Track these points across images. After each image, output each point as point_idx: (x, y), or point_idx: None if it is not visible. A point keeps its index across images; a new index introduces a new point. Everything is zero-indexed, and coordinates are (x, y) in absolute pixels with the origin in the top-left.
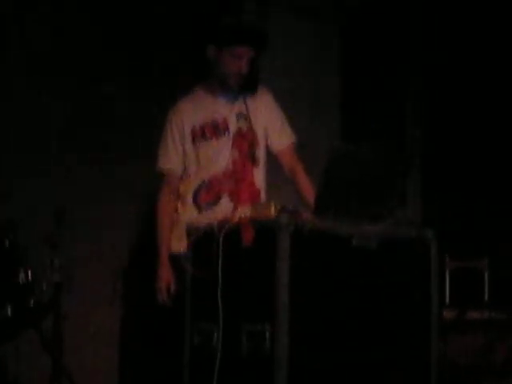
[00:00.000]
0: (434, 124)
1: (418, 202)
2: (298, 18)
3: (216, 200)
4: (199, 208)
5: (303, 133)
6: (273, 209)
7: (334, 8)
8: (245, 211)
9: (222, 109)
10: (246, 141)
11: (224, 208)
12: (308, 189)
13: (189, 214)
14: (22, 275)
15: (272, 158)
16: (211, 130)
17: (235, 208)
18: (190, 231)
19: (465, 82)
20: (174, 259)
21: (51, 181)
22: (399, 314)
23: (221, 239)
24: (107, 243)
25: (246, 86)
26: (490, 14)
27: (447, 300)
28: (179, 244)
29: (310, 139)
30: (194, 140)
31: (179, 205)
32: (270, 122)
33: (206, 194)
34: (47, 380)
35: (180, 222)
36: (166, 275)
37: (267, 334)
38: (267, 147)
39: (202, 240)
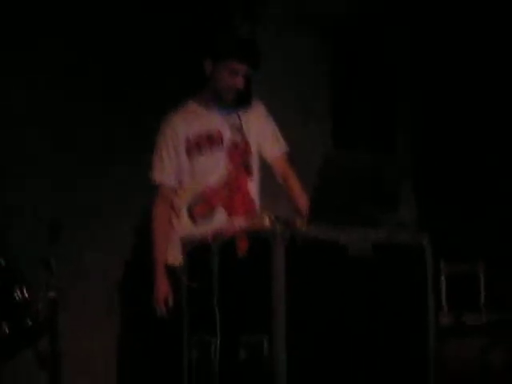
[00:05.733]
0: (426, 127)
1: (412, 207)
2: (287, 29)
3: (211, 212)
4: (194, 220)
5: (295, 141)
6: (267, 219)
7: (323, 19)
8: (240, 222)
9: (216, 121)
10: (239, 152)
11: (219, 219)
12: (301, 196)
13: (184, 226)
14: (17, 293)
15: (265, 168)
16: (206, 143)
17: (230, 219)
18: (185, 243)
19: (454, 85)
20: (171, 271)
21: (45, 197)
22: (396, 320)
23: (216, 250)
24: (102, 257)
25: (241, 100)
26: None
27: (443, 304)
28: (175, 256)
29: (302, 148)
30: (188, 152)
31: (174, 217)
32: (262, 132)
33: (201, 206)
34: None
35: (175, 234)
36: (163, 287)
37: (265, 345)
38: (260, 157)
39: (198, 251)
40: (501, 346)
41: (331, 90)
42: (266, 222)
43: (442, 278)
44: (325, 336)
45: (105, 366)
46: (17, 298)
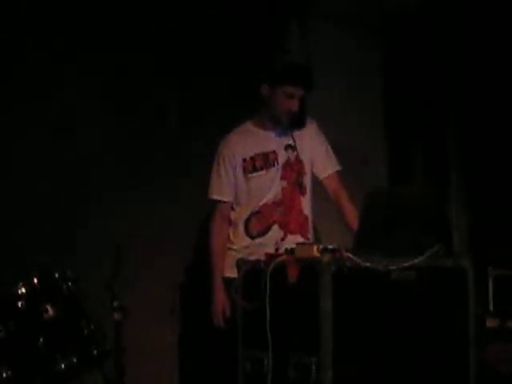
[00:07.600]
0: (474, 129)
1: (463, 212)
2: (341, 32)
3: (267, 228)
4: (251, 236)
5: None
6: (315, 248)
7: (377, 21)
8: (292, 241)
9: (272, 142)
10: (293, 171)
11: (274, 236)
12: (352, 216)
13: (241, 241)
14: (83, 324)
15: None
16: (261, 162)
17: (285, 236)
18: (240, 264)
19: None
20: (228, 283)
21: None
22: (438, 340)
23: (268, 275)
24: (163, 263)
25: (296, 122)
26: None
27: (491, 308)
28: (232, 270)
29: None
30: (244, 171)
31: (231, 232)
32: (315, 150)
33: (257, 222)
34: None
35: (233, 249)
36: (220, 300)
37: (313, 367)
38: (313, 175)
39: (251, 273)
40: None
41: (383, 100)
42: (315, 251)
43: (490, 282)
44: (370, 359)
45: (166, 369)
46: (84, 331)
